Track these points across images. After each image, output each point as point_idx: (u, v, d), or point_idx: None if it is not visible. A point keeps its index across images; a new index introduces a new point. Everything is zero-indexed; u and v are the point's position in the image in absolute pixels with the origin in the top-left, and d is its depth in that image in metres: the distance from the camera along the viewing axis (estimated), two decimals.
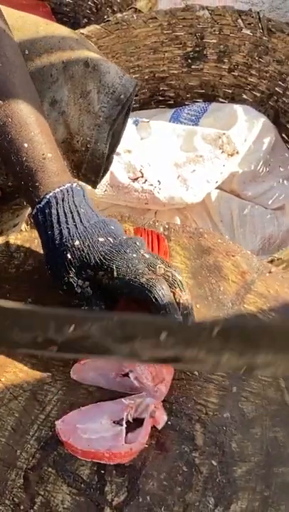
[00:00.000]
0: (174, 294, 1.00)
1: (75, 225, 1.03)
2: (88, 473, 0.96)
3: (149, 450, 0.98)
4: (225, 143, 2.02)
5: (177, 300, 1.00)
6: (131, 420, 0.98)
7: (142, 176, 1.96)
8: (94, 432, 0.94)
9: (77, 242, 1.02)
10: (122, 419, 0.96)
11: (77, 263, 1.02)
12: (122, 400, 0.97)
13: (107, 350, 0.93)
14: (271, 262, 1.59)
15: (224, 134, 2.04)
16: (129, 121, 2.13)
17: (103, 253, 1.01)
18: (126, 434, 0.96)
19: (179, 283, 1.01)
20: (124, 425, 0.94)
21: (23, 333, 0.94)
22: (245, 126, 2.09)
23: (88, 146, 1.33)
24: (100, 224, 1.04)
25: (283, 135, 2.23)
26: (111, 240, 1.03)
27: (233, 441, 0.99)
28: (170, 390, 1.02)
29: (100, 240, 1.02)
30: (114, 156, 1.88)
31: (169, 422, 1.00)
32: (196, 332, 0.89)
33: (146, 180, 1.96)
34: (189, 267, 1.18)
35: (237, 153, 2.02)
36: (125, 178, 1.96)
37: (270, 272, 1.17)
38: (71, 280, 1.03)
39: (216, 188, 2.04)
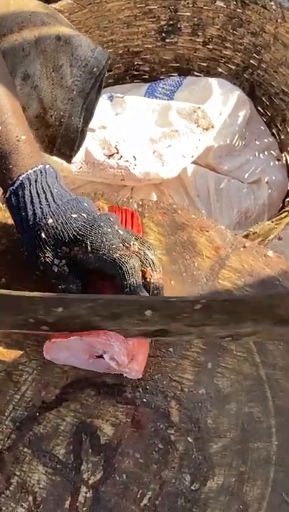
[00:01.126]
0: (144, 272, 1.00)
1: (48, 204, 1.02)
2: (64, 453, 0.96)
3: (125, 428, 0.98)
4: (200, 117, 2.01)
5: (148, 279, 1.00)
6: None
7: (118, 152, 1.95)
8: None
9: (50, 220, 1.01)
10: None
11: (51, 241, 1.01)
12: None
13: (97, 327, 0.95)
14: (247, 236, 1.59)
15: (199, 108, 2.02)
16: (104, 96, 2.12)
17: (77, 229, 1.01)
18: None
19: (150, 262, 1.01)
20: None
21: (15, 316, 0.95)
22: (220, 100, 2.07)
23: (62, 120, 1.31)
24: (72, 202, 1.03)
25: (259, 108, 2.22)
26: (84, 215, 1.02)
27: (209, 417, 0.99)
28: (145, 368, 1.01)
29: (74, 216, 1.01)
30: (89, 133, 1.87)
31: (144, 400, 1.00)
32: (179, 307, 0.91)
33: (121, 157, 1.94)
34: (163, 244, 1.17)
35: (212, 127, 2.01)
36: (100, 155, 1.94)
37: (244, 247, 1.17)
38: (47, 260, 1.02)
39: (192, 162, 2.03)
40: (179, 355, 1.04)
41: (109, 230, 1.01)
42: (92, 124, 1.87)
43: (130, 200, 1.23)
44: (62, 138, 1.34)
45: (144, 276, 1.00)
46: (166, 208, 1.22)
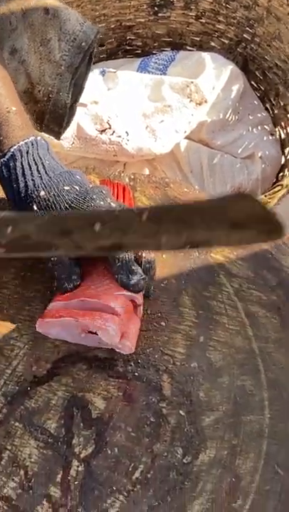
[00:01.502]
0: None
1: (40, 177, 1.01)
2: (55, 427, 0.95)
3: (116, 402, 0.97)
4: (193, 92, 1.99)
5: (139, 253, 1.00)
6: None
7: (110, 128, 1.93)
8: None
9: (42, 193, 1.00)
10: None
11: (44, 213, 1.00)
12: None
13: (51, 245, 0.91)
14: None
15: (192, 82, 2.00)
16: (96, 71, 2.10)
17: (69, 201, 1.00)
18: None
19: None
20: None
21: None
22: (213, 74, 2.05)
23: (50, 96, 1.30)
24: (65, 174, 1.03)
25: (252, 82, 2.21)
26: (77, 188, 1.01)
27: (201, 390, 0.99)
28: (136, 342, 1.01)
29: (66, 188, 1.01)
30: (81, 108, 1.86)
31: (136, 373, 1.00)
32: (126, 220, 0.88)
33: (114, 132, 1.92)
34: None
35: (205, 101, 1.99)
36: (92, 130, 1.92)
37: None
38: None
39: (185, 138, 2.01)
40: (170, 329, 1.03)
41: (101, 203, 1.00)
42: (84, 99, 1.86)
43: (122, 174, 1.22)
44: (50, 114, 1.33)
45: (135, 251, 0.99)
46: (158, 182, 1.21)
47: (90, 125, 1.93)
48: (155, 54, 2.27)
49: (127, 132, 1.92)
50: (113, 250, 0.92)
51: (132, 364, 1.00)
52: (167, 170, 2.01)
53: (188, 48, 2.30)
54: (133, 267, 0.97)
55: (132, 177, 1.21)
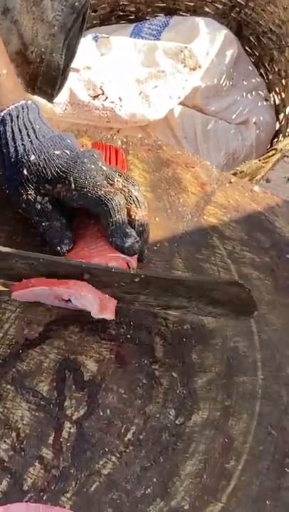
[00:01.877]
0: (129, 210, 0.98)
1: (30, 141, 1.00)
2: (47, 389, 0.95)
3: (109, 364, 0.97)
4: (187, 57, 1.97)
5: (132, 216, 0.98)
6: None
7: (103, 93, 1.92)
8: None
9: (32, 157, 0.99)
10: None
11: (34, 178, 0.99)
12: None
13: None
14: (234, 175, 1.57)
15: (186, 47, 1.99)
16: (89, 37, 2.08)
17: (60, 166, 0.99)
18: None
19: (135, 199, 0.99)
20: None
21: None
22: (208, 39, 2.03)
23: (43, 57, 1.28)
24: (55, 138, 1.01)
25: (246, 48, 2.18)
26: (68, 152, 1.00)
27: (194, 352, 0.98)
28: (129, 304, 1.01)
29: (56, 152, 0.99)
30: (74, 73, 1.84)
31: (129, 336, 0.99)
32: (118, 277, 0.91)
33: (107, 98, 1.91)
34: (148, 180, 1.15)
35: (199, 67, 1.97)
36: (85, 96, 1.91)
37: (230, 182, 1.15)
38: (30, 197, 1.00)
39: (179, 103, 2.00)
40: None
41: (92, 166, 0.99)
42: (76, 65, 1.84)
43: (114, 137, 1.21)
44: (43, 75, 1.31)
45: (128, 214, 0.98)
46: (150, 145, 1.20)
47: (82, 91, 1.91)
48: (148, 19, 2.24)
49: (120, 98, 1.91)
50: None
51: (125, 326, 1.00)
52: (161, 136, 1.99)
53: (182, 13, 2.27)
54: (127, 230, 0.96)
55: (125, 140, 1.20)
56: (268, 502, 0.89)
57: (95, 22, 2.30)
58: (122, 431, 0.93)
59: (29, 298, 0.99)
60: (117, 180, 0.99)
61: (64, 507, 0.87)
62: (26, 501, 0.88)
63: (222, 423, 0.94)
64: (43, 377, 0.96)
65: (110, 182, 0.99)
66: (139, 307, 1.00)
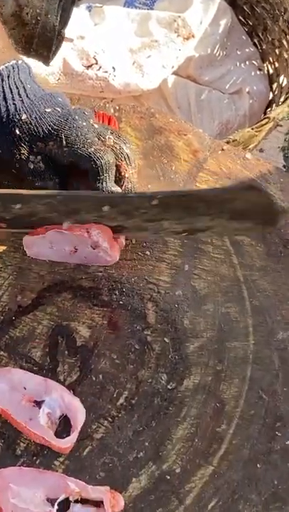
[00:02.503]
0: (119, 166, 0.98)
1: (22, 100, 1.00)
2: (40, 355, 0.96)
3: (101, 330, 0.97)
4: (180, 26, 1.97)
5: (122, 173, 0.99)
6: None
7: (96, 63, 1.91)
8: (23, 501, 0.84)
9: (24, 116, 0.99)
10: (56, 500, 0.85)
11: (26, 137, 0.99)
12: (68, 482, 0.86)
13: (53, 223, 0.95)
14: (227, 144, 1.57)
15: (179, 17, 1.98)
16: (82, 7, 2.07)
17: (51, 123, 0.99)
18: None
19: (126, 156, 0.99)
20: (56, 507, 0.84)
21: None
22: (201, 9, 2.03)
23: (38, 18, 1.28)
24: (46, 97, 1.01)
25: (240, 17, 2.18)
26: (59, 109, 1.00)
27: (186, 318, 0.99)
28: (121, 271, 1.01)
29: (48, 110, 0.99)
30: (67, 43, 1.83)
31: (121, 302, 1.00)
32: (136, 203, 0.89)
33: (100, 67, 1.91)
34: (141, 148, 1.15)
35: (193, 36, 1.97)
36: (79, 66, 1.90)
37: (222, 150, 1.15)
38: (22, 156, 1.00)
39: (173, 73, 2.00)
40: (155, 258, 1.03)
41: (84, 123, 0.99)
42: (70, 34, 1.84)
43: (107, 105, 1.21)
44: (38, 37, 1.31)
45: (118, 171, 0.98)
46: (143, 113, 1.20)
47: (76, 60, 1.90)
48: None
49: (113, 68, 1.90)
50: (113, 232, 0.96)
51: (117, 293, 1.00)
52: (154, 106, 1.98)
53: None
54: (113, 188, 0.97)
55: (118, 108, 1.20)
56: (258, 465, 0.90)
57: None
58: (115, 396, 0.93)
59: (41, 248, 1.01)
60: (109, 138, 0.99)
61: (57, 471, 0.88)
62: (19, 466, 0.88)
63: (214, 388, 0.94)
64: (35, 343, 0.96)
65: (102, 139, 0.99)
66: (166, 236, 1.01)
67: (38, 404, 0.90)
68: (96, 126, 1.00)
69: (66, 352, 0.96)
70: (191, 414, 0.92)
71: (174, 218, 0.93)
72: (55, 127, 0.98)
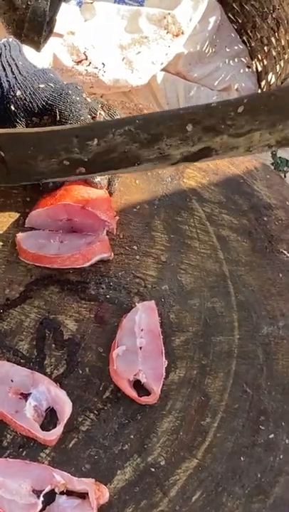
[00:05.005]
0: None
1: (15, 77, 1.01)
2: (27, 348, 0.96)
3: (88, 324, 0.98)
4: (170, 23, 1.97)
5: None
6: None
7: (86, 59, 1.91)
8: (8, 492, 0.85)
9: (18, 92, 1.00)
10: (42, 491, 0.86)
11: (21, 113, 1.01)
12: (54, 473, 0.87)
13: (136, 158, 0.90)
14: None
15: (169, 14, 1.98)
16: (73, 2, 2.07)
17: (46, 98, 1.00)
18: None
19: None
20: (41, 499, 0.84)
21: (49, 160, 0.92)
22: (191, 6, 2.03)
23: (29, 3, 1.29)
24: (39, 73, 1.03)
25: (229, 15, 2.18)
26: (52, 85, 1.02)
27: (172, 312, 1.00)
28: (108, 265, 1.02)
29: (41, 86, 1.01)
30: (57, 38, 1.83)
31: (108, 296, 1.00)
32: (221, 113, 0.83)
33: (90, 63, 1.91)
34: None
35: (182, 33, 1.97)
36: (69, 61, 1.90)
37: None
38: None
39: (162, 70, 2.00)
40: (142, 253, 1.04)
41: (77, 98, 1.01)
42: (60, 30, 1.84)
43: (96, 101, 1.21)
44: (29, 22, 1.32)
45: None
46: (132, 108, 1.20)
47: (66, 56, 1.90)
48: None
49: (103, 63, 1.90)
50: (202, 158, 0.89)
51: (104, 287, 1.01)
52: (143, 102, 1.99)
53: None
54: None
55: (106, 103, 1.21)
56: (242, 458, 0.91)
57: None
58: (101, 389, 0.94)
59: (39, 221, 1.04)
60: (100, 114, 1.02)
61: (43, 463, 0.89)
62: (5, 457, 0.89)
63: (199, 381, 0.95)
64: (23, 336, 0.97)
65: (93, 115, 1.01)
66: (257, 152, 0.91)
67: (25, 396, 0.91)
68: (89, 100, 1.02)
69: (53, 345, 0.97)
70: (176, 408, 0.93)
71: (265, 126, 0.85)
72: (49, 102, 1.00)
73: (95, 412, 0.93)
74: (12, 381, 0.92)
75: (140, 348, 0.94)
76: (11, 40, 1.04)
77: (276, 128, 0.85)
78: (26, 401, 0.90)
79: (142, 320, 0.95)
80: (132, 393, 0.92)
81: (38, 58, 1.71)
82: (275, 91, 0.86)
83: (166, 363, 0.95)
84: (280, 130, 0.85)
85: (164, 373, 0.94)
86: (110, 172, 0.95)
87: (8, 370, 0.93)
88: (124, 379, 0.92)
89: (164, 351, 0.94)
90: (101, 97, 1.97)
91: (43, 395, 0.91)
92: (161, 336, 0.96)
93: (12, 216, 1.06)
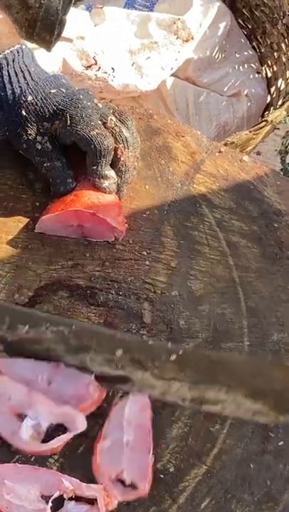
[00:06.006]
0: (117, 149, 1.02)
1: (27, 83, 1.02)
2: None
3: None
4: (180, 28, 1.97)
5: (118, 156, 1.02)
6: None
7: (96, 64, 1.92)
8: (17, 497, 0.84)
9: (30, 98, 1.01)
10: (51, 497, 0.85)
11: (33, 118, 1.01)
12: (63, 479, 0.86)
13: (57, 357, 0.89)
14: (224, 146, 1.57)
15: (179, 19, 1.98)
16: (82, 7, 2.08)
17: (56, 103, 1.01)
18: None
19: (124, 139, 1.02)
20: (50, 505, 0.84)
21: None
22: (201, 11, 2.03)
23: (42, 1, 1.30)
24: (50, 78, 1.04)
25: (239, 20, 2.18)
26: (63, 90, 1.03)
27: (181, 318, 0.99)
28: (118, 270, 1.02)
29: (52, 91, 1.02)
30: (67, 43, 1.84)
31: (117, 301, 1.00)
32: (154, 353, 0.86)
33: (100, 68, 1.91)
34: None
35: (192, 38, 1.97)
36: (78, 66, 1.91)
37: (219, 152, 1.16)
38: (30, 137, 1.02)
39: (171, 75, 2.00)
40: (152, 259, 1.04)
41: (89, 103, 1.01)
42: (69, 34, 1.84)
43: (107, 106, 1.21)
44: (41, 21, 1.32)
45: (115, 153, 1.02)
46: (141, 114, 1.20)
47: (75, 61, 1.91)
48: None
49: (113, 68, 1.91)
50: (116, 383, 0.90)
51: (113, 292, 1.01)
52: (153, 107, 1.99)
53: None
54: (106, 172, 1.02)
55: (118, 109, 1.21)
56: (252, 465, 0.91)
57: None
58: (110, 394, 0.94)
59: (50, 226, 1.04)
60: (110, 119, 1.02)
61: (51, 468, 0.88)
62: (14, 462, 0.89)
63: None
64: None
65: (104, 120, 1.01)
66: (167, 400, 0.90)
67: (21, 417, 0.89)
68: (100, 106, 1.02)
69: None
70: (185, 414, 0.93)
71: (187, 381, 0.87)
72: (60, 107, 1.00)
73: (104, 417, 0.92)
74: (9, 399, 0.90)
75: (127, 444, 0.89)
76: (24, 46, 1.04)
77: (195, 387, 0.87)
78: (22, 421, 0.88)
79: (132, 413, 0.90)
80: (112, 492, 0.86)
81: (47, 62, 1.71)
82: (211, 355, 0.90)
83: (154, 458, 0.89)
84: (199, 389, 0.87)
85: (151, 473, 0.88)
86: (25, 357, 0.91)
87: (6, 385, 0.90)
88: (105, 476, 0.87)
89: (152, 448, 0.88)
90: (110, 101, 1.97)
91: (42, 415, 0.89)
92: (151, 432, 0.89)
93: (21, 221, 1.06)
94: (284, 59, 2.09)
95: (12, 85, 1.02)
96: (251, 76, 2.08)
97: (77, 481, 0.85)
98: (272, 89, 2.09)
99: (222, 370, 0.87)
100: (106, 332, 0.90)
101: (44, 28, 1.34)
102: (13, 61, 1.02)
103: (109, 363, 0.87)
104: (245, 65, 2.11)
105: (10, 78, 1.02)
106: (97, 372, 0.88)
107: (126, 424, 0.88)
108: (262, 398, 0.87)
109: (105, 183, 1.02)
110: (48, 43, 1.38)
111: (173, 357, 0.86)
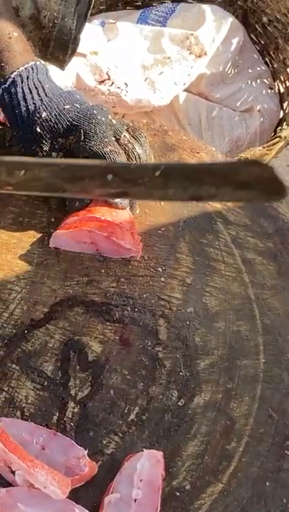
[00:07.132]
0: None
1: (41, 99, 1.03)
2: (52, 369, 0.96)
3: (113, 345, 0.98)
4: (193, 44, 1.98)
5: None
6: None
7: (109, 79, 1.92)
8: None
9: (44, 114, 1.02)
10: None
11: (47, 134, 1.02)
12: (75, 508, 0.85)
13: (59, 189, 0.91)
14: None
15: (192, 34, 1.99)
16: (96, 22, 2.09)
17: (71, 119, 1.02)
18: None
19: (136, 156, 1.03)
20: None
21: None
22: (213, 27, 2.04)
23: (55, 21, 1.30)
24: (64, 94, 1.05)
25: (252, 36, 2.19)
26: (77, 106, 1.03)
27: (197, 335, 0.99)
28: (133, 287, 1.02)
29: (66, 107, 1.02)
30: (80, 58, 1.85)
31: (133, 318, 1.00)
32: (139, 173, 0.86)
33: (113, 83, 1.91)
34: None
35: (205, 54, 1.98)
36: (92, 81, 1.91)
37: None
38: (45, 154, 1.03)
39: (184, 90, 2.00)
40: (167, 275, 1.04)
41: (103, 119, 1.01)
42: (83, 49, 1.85)
43: (121, 122, 1.22)
44: (55, 40, 1.33)
45: None
46: (156, 130, 1.21)
47: (89, 76, 1.92)
48: (155, 6, 2.24)
49: (126, 83, 1.91)
50: (118, 197, 0.93)
51: (129, 309, 1.01)
52: (165, 122, 2.00)
53: (189, 0, 2.27)
54: None
55: (131, 124, 1.21)
56: (267, 483, 0.91)
57: (101, 7, 2.30)
58: (126, 411, 0.94)
59: (63, 241, 1.04)
60: (124, 136, 1.02)
61: None
62: (28, 486, 0.88)
63: (224, 405, 0.95)
64: (47, 357, 0.97)
65: (117, 137, 1.02)
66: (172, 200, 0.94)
67: (12, 471, 0.87)
68: (114, 122, 1.03)
69: (78, 367, 0.97)
70: (201, 432, 0.93)
71: (178, 187, 0.87)
72: (74, 122, 1.01)
73: (120, 434, 0.92)
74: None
75: (135, 500, 0.88)
76: (38, 63, 1.05)
77: (188, 190, 0.86)
78: (14, 475, 0.87)
79: (144, 469, 0.89)
80: None
81: (60, 78, 1.72)
82: (190, 165, 0.93)
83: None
84: (191, 191, 0.86)
85: None
86: (36, 193, 0.95)
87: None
88: None
89: (159, 507, 0.87)
90: (123, 116, 1.98)
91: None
92: (161, 491, 0.89)
93: (36, 236, 1.07)
94: None
95: (26, 102, 1.03)
96: (264, 91, 2.08)
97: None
98: (285, 104, 2.09)
99: (205, 174, 0.84)
100: (92, 163, 0.90)
101: (57, 47, 1.35)
102: (28, 78, 1.03)
103: (106, 185, 0.87)
104: (258, 81, 2.11)
105: (24, 95, 1.03)
106: (97, 194, 0.91)
107: (136, 480, 0.88)
108: (249, 188, 0.84)
109: (118, 199, 1.02)
110: (61, 62, 1.39)
111: (157, 173, 0.84)
